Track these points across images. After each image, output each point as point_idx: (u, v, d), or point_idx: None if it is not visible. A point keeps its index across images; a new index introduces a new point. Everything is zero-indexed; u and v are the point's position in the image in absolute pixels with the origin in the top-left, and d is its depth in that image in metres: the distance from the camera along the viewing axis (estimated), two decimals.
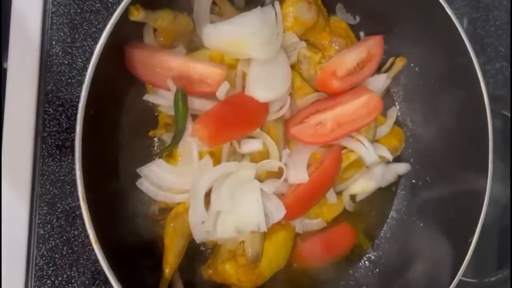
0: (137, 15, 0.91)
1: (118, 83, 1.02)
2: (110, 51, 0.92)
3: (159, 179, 1.03)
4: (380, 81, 1.20)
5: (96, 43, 0.88)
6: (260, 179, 1.09)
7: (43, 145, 1.11)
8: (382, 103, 1.13)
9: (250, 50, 1.02)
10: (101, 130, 0.96)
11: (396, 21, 1.22)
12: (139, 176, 1.04)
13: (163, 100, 1.04)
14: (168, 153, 1.06)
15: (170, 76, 1.00)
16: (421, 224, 1.27)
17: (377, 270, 1.29)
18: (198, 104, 1.04)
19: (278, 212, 1.07)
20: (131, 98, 1.06)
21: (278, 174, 1.11)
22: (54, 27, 1.13)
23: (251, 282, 1.09)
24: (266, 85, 1.05)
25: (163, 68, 1.01)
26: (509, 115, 1.37)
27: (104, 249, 0.88)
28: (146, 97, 1.06)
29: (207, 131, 0.97)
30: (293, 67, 1.15)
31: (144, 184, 1.04)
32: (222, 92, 1.03)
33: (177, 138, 1.01)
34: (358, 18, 1.25)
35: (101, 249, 0.86)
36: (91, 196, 0.89)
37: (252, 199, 1.05)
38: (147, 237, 1.10)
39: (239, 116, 1.02)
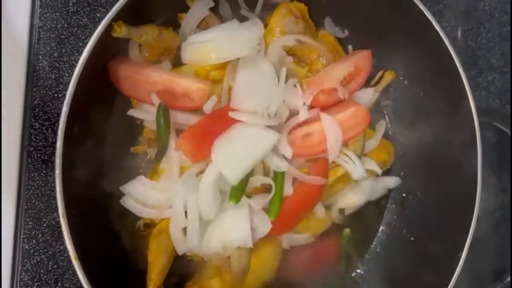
0: (120, 31, 0.91)
1: (103, 98, 1.03)
2: (94, 66, 0.93)
3: (142, 196, 1.02)
4: (368, 95, 1.20)
5: None
6: (247, 194, 1.08)
7: (29, 160, 1.11)
8: (369, 115, 1.13)
9: (223, 52, 1.03)
10: (85, 146, 0.96)
11: (385, 35, 1.21)
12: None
13: (147, 115, 1.04)
14: (153, 168, 1.06)
15: (154, 91, 1.00)
16: (412, 238, 1.26)
17: (366, 285, 1.27)
18: (182, 119, 1.04)
19: (264, 226, 1.05)
20: (116, 113, 1.06)
21: (265, 189, 1.10)
22: (41, 41, 1.13)
23: None
24: (252, 97, 1.04)
25: (148, 83, 1.02)
26: (501, 127, 1.37)
27: (85, 265, 0.88)
28: (131, 112, 1.06)
29: (191, 146, 0.97)
30: None
31: (128, 202, 1.03)
32: (209, 106, 1.03)
33: (160, 154, 1.01)
34: (346, 32, 1.25)
35: (81, 266, 0.85)
36: (74, 212, 0.89)
37: (239, 214, 1.04)
38: (132, 253, 1.09)
39: (224, 130, 1.01)
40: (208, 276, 1.07)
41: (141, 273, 1.04)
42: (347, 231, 1.24)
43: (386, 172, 1.28)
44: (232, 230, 1.04)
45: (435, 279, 1.10)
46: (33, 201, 1.11)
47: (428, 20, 1.07)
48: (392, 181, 1.29)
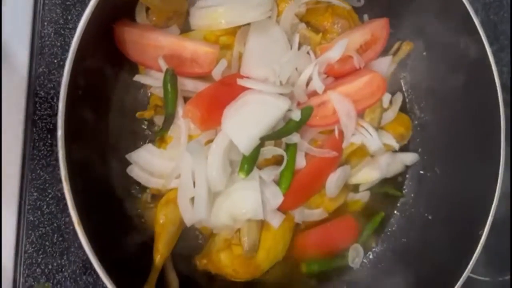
0: None
1: (108, 63, 0.99)
2: (99, 29, 0.90)
3: (149, 165, 0.99)
4: (385, 64, 1.14)
5: None
6: (258, 166, 1.03)
7: (34, 129, 1.08)
8: (386, 83, 1.08)
9: (233, 17, 0.99)
10: (89, 111, 0.93)
11: (403, 4, 1.16)
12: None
13: (154, 81, 1.00)
14: (161, 137, 1.02)
15: (161, 56, 0.96)
16: (429, 217, 1.21)
17: (382, 264, 1.22)
18: (191, 86, 1.00)
19: (275, 198, 1.01)
20: (122, 78, 1.02)
21: (276, 161, 1.06)
22: (46, 7, 1.10)
23: (247, 274, 1.04)
24: (263, 64, 1.00)
25: (154, 47, 0.98)
26: None
27: (89, 233, 0.84)
28: (137, 78, 1.02)
29: (199, 112, 0.93)
30: None
31: (134, 171, 1.00)
32: (218, 70, 0.99)
33: (168, 121, 0.97)
34: (362, 1, 1.19)
35: (84, 232, 0.82)
36: (78, 180, 0.85)
37: (249, 185, 1.00)
38: (139, 224, 1.06)
39: (234, 97, 0.97)
40: (217, 249, 1.03)
41: (149, 245, 1.00)
42: (381, 214, 1.22)
43: (404, 149, 1.23)
44: (242, 202, 1.00)
45: (453, 260, 1.06)
46: (38, 171, 1.08)
47: None
48: (409, 157, 1.24)
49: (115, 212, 1.02)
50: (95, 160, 0.95)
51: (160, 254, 0.97)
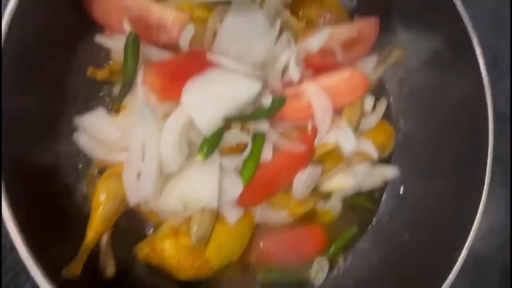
0: None
1: (70, 20, 0.92)
2: None
3: (98, 132, 0.91)
4: (369, 63, 1.08)
5: None
6: (221, 153, 0.95)
7: None
8: (367, 81, 1.02)
9: None
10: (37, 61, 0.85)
11: (396, 9, 1.10)
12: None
13: (115, 43, 0.93)
14: (118, 107, 0.94)
15: (126, 17, 0.89)
16: (406, 237, 1.11)
17: (347, 283, 1.11)
18: (156, 54, 0.93)
19: (235, 188, 0.92)
20: (83, 40, 0.95)
21: (241, 151, 0.97)
22: None
23: (193, 269, 0.93)
24: (238, 44, 0.94)
25: (120, 8, 0.91)
26: None
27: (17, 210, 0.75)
28: (99, 39, 0.95)
29: (160, 80, 0.86)
30: None
31: (81, 138, 0.92)
32: (185, 38, 0.92)
33: (125, 88, 0.90)
34: (355, 0, 1.14)
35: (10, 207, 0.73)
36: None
37: (207, 171, 0.91)
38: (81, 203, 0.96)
39: (201, 71, 0.89)
40: (162, 237, 0.92)
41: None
42: (354, 229, 1.13)
43: (384, 162, 1.15)
44: (197, 187, 0.91)
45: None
46: None
47: None
48: (389, 172, 1.15)
49: (53, 186, 0.92)
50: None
51: (94, 230, 0.87)
